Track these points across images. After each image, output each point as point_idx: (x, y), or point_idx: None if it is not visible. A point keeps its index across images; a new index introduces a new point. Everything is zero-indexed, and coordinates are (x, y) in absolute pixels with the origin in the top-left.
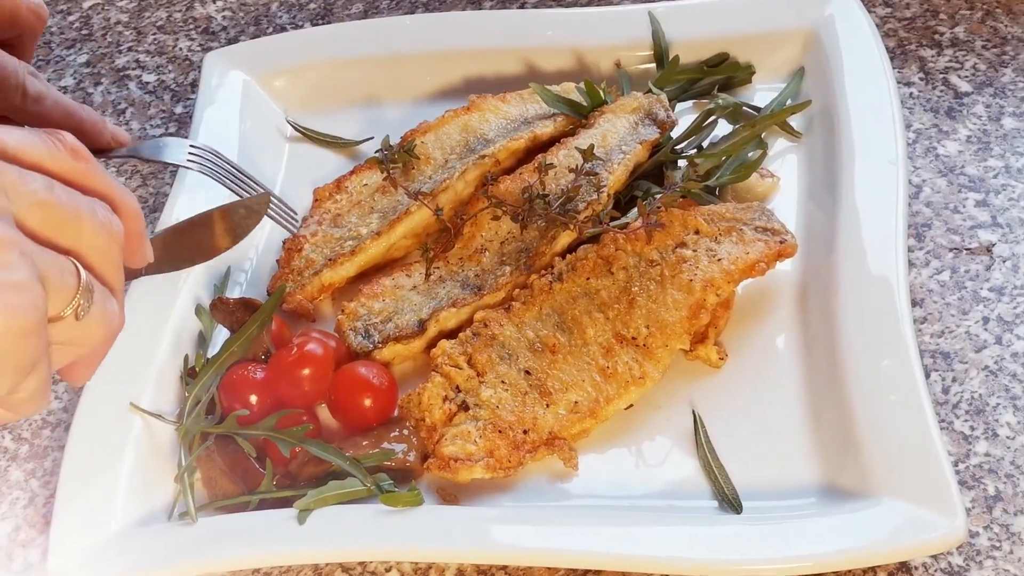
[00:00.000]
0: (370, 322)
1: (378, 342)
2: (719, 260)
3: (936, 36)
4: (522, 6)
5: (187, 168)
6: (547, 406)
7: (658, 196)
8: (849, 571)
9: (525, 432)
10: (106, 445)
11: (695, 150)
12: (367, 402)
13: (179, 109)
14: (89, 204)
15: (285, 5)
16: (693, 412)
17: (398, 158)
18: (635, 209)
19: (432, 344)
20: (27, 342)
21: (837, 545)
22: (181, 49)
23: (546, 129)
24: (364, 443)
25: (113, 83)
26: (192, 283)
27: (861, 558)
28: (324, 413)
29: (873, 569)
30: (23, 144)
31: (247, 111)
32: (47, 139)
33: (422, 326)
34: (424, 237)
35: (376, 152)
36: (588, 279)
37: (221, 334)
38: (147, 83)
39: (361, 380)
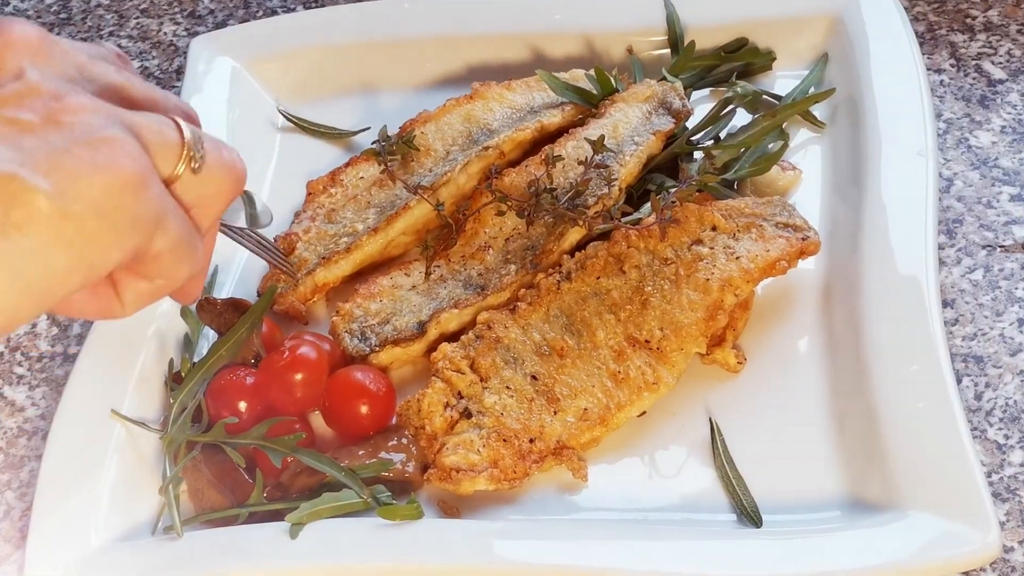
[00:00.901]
0: (367, 324)
1: (375, 345)
2: (738, 258)
3: (968, 20)
4: None
5: None
6: (555, 413)
7: (673, 190)
8: None
9: (531, 441)
10: (86, 455)
11: (712, 141)
12: (363, 409)
13: None
14: (162, 92)
15: None
16: (710, 419)
17: (396, 150)
18: (648, 204)
19: (432, 347)
20: (136, 196)
21: (863, 561)
22: (166, 34)
23: (554, 119)
24: (360, 453)
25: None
26: None
27: (888, 575)
28: (318, 421)
29: None
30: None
31: (236, 100)
32: (97, 47)
33: (422, 328)
34: (424, 234)
35: (373, 143)
36: (598, 278)
37: (208, 337)
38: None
39: (357, 386)
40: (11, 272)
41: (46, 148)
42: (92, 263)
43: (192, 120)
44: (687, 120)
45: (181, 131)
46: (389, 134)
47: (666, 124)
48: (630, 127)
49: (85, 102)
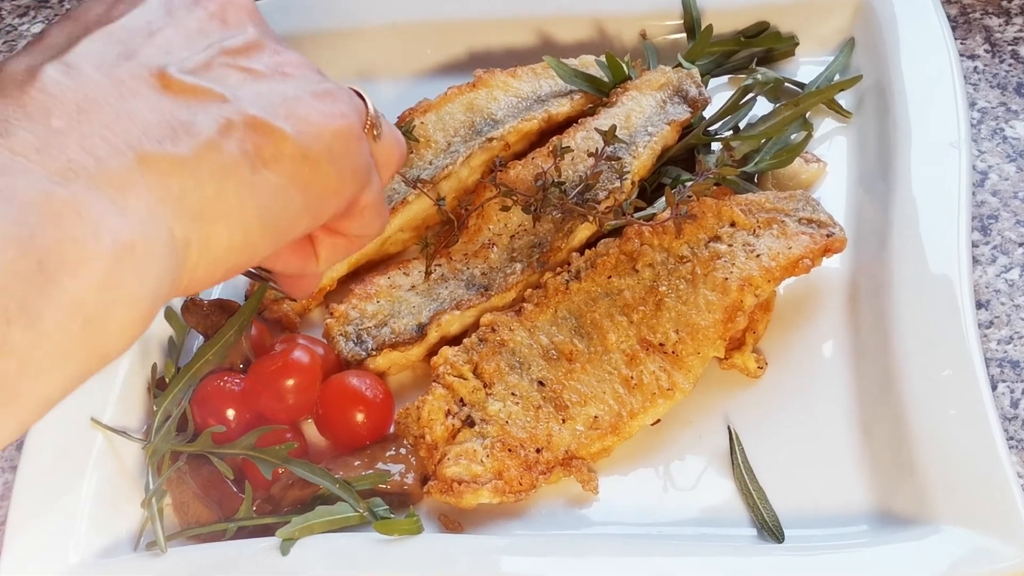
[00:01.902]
0: (363, 327)
1: (372, 349)
2: (758, 256)
3: (1004, 3)
4: None
5: None
6: (563, 421)
7: (689, 184)
8: None
9: (538, 451)
10: (64, 466)
11: (731, 132)
12: (359, 417)
13: None
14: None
15: None
16: (728, 428)
17: None
18: (663, 198)
19: (433, 351)
20: (358, 145)
21: None
22: None
23: (562, 108)
24: (356, 463)
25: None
26: None
27: None
28: (310, 430)
29: None
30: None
31: None
32: None
33: (422, 331)
34: (423, 230)
35: None
36: (609, 278)
37: (194, 340)
38: None
39: (352, 392)
40: (258, 207)
41: (281, 95)
42: (321, 206)
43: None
44: (704, 109)
45: (364, 99)
46: None
47: (682, 113)
48: (643, 117)
49: (301, 59)
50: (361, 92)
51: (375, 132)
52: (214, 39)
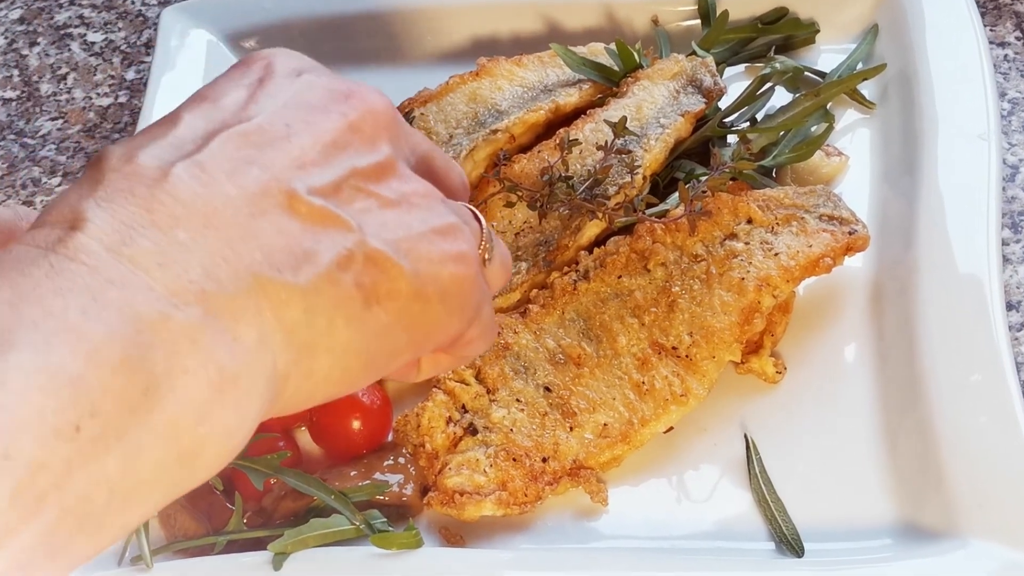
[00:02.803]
0: None
1: None
2: (776, 255)
3: None
4: None
5: None
6: (571, 429)
7: (703, 179)
8: None
9: (544, 460)
10: None
11: (747, 124)
12: (355, 425)
13: (131, 75)
14: (445, 156)
15: None
16: (745, 436)
17: None
18: (676, 194)
19: None
20: (473, 284)
21: None
22: (134, 3)
23: (570, 99)
24: (352, 473)
25: (52, 43)
26: None
27: None
28: (304, 437)
29: None
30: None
31: (212, 77)
32: None
33: None
34: None
35: None
36: (620, 277)
37: None
38: (92, 43)
39: (348, 399)
40: (363, 343)
41: (406, 228)
42: (423, 345)
43: (467, 194)
44: (719, 100)
45: (480, 222)
46: None
47: (696, 104)
48: (655, 107)
49: (428, 188)
50: (478, 214)
51: (487, 256)
52: (348, 155)
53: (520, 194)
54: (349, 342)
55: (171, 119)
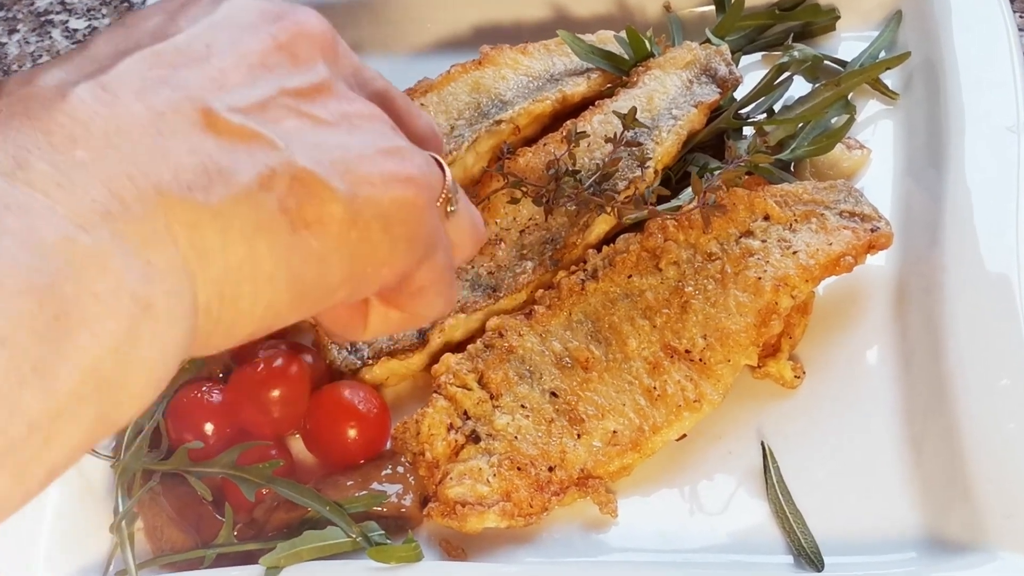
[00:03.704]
0: None
1: (368, 357)
2: (795, 253)
3: None
4: None
5: None
6: (578, 437)
7: (717, 172)
8: None
9: (551, 470)
10: None
11: (764, 115)
12: (351, 433)
13: None
14: (416, 105)
15: None
16: (762, 444)
17: None
18: (688, 189)
19: (435, 359)
20: (421, 215)
21: None
22: None
23: (577, 88)
24: (348, 483)
25: (32, 30)
26: None
27: None
28: (298, 446)
29: None
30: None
31: None
32: None
33: (423, 337)
34: None
35: None
36: (630, 277)
37: None
38: (75, 31)
39: (344, 406)
40: (290, 273)
41: (342, 149)
42: (363, 279)
43: (441, 146)
44: (735, 90)
45: (443, 170)
46: None
47: (710, 94)
48: (667, 98)
49: (374, 110)
50: (441, 161)
51: (449, 208)
52: (276, 75)
53: (525, 189)
54: (274, 271)
55: (83, 44)
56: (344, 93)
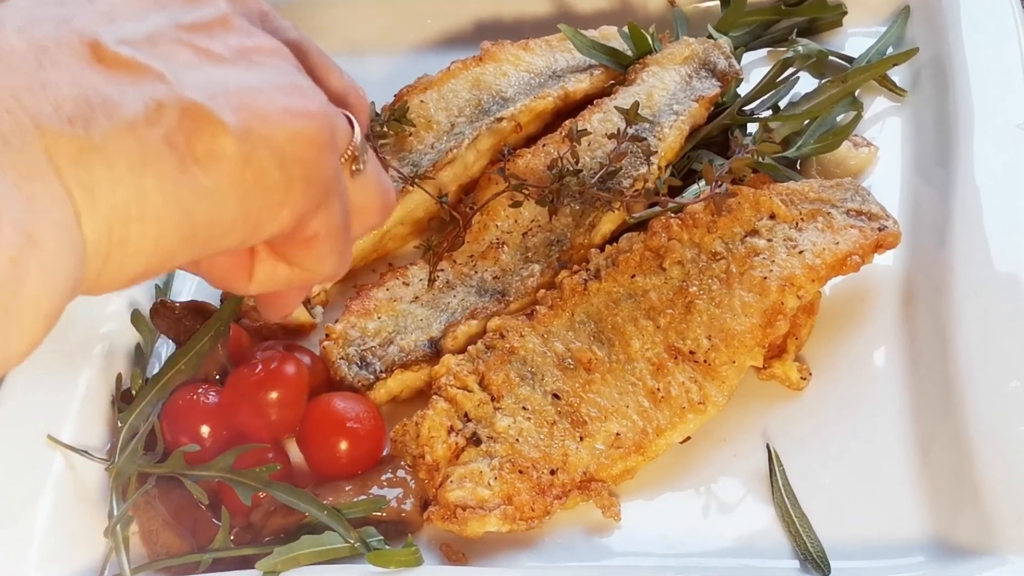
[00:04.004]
0: (366, 347)
1: (380, 371)
2: (801, 252)
3: None
4: None
5: None
6: (581, 439)
7: (726, 163)
8: None
9: (553, 472)
10: (17, 489)
11: (769, 112)
12: (343, 447)
13: None
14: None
15: None
16: (768, 447)
17: (389, 128)
18: (693, 187)
19: None
20: (319, 155)
21: None
22: None
23: (580, 85)
24: (347, 488)
25: None
26: None
27: None
28: (296, 449)
29: None
30: None
31: None
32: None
33: (434, 346)
34: (425, 223)
35: None
36: (633, 277)
37: (164, 347)
38: None
39: (336, 418)
40: (180, 210)
41: (237, 82)
42: (260, 219)
43: (364, 110)
44: (736, 84)
45: (352, 126)
46: (378, 111)
47: (710, 88)
48: (667, 94)
49: (276, 46)
50: (352, 119)
51: (355, 167)
52: (170, 10)
53: (527, 191)
54: (163, 208)
55: None
56: (244, 28)
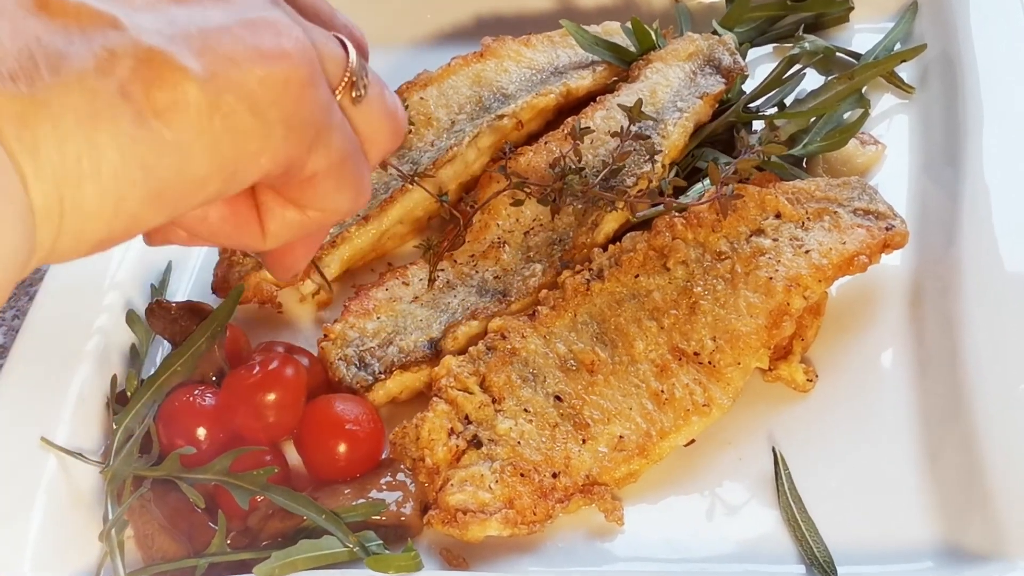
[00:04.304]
0: (365, 347)
1: (380, 373)
2: (807, 252)
3: None
4: None
5: None
6: (583, 442)
7: (732, 163)
8: None
9: (555, 476)
10: (9, 492)
11: (775, 109)
12: (341, 449)
13: None
14: (329, 5)
15: None
16: (773, 450)
17: None
18: (697, 185)
19: None
20: (300, 94)
21: None
22: None
23: (582, 82)
24: (346, 492)
25: None
26: (121, 281)
27: None
28: (294, 452)
29: None
30: None
31: None
32: None
33: (434, 347)
34: (424, 221)
35: None
36: (636, 277)
37: (159, 348)
38: None
39: (335, 421)
40: (141, 168)
41: (200, 23)
42: (236, 170)
43: (361, 46)
44: (742, 81)
45: (347, 50)
46: None
47: (715, 85)
48: (671, 91)
49: None
50: (344, 40)
51: (354, 93)
52: None
53: (529, 190)
54: (120, 166)
55: None
56: None
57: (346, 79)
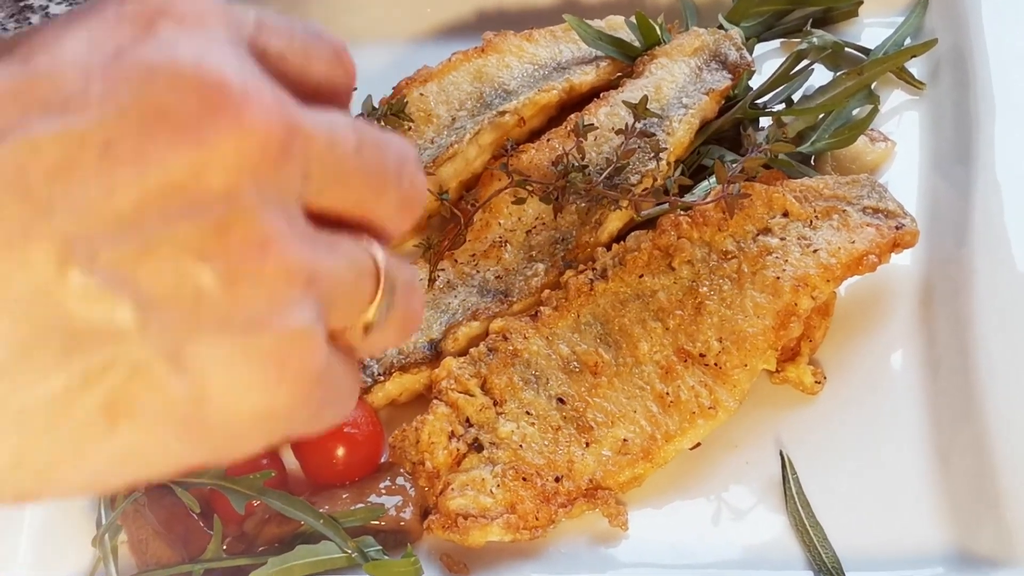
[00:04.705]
0: None
1: (378, 374)
2: (815, 251)
3: None
4: None
5: None
6: (587, 445)
7: (738, 162)
8: None
9: (557, 480)
10: None
11: (783, 105)
12: (339, 453)
13: None
14: (397, 156)
15: None
16: (781, 453)
17: (386, 121)
18: (703, 183)
19: None
20: (310, 393)
21: None
22: None
23: (586, 78)
24: (344, 496)
25: (11, 16)
26: None
27: None
28: (291, 455)
29: None
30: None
31: None
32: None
33: (434, 348)
34: (424, 220)
35: (357, 116)
36: (641, 277)
37: None
38: (56, 17)
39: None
40: (102, 466)
41: (215, 333)
42: (225, 458)
43: (348, 76)
44: (748, 77)
45: (379, 276)
46: (376, 104)
47: (721, 81)
48: (676, 87)
49: (286, 261)
50: (376, 254)
51: (370, 325)
52: (177, 211)
53: (531, 188)
54: (88, 468)
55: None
56: (260, 239)
57: (365, 316)
